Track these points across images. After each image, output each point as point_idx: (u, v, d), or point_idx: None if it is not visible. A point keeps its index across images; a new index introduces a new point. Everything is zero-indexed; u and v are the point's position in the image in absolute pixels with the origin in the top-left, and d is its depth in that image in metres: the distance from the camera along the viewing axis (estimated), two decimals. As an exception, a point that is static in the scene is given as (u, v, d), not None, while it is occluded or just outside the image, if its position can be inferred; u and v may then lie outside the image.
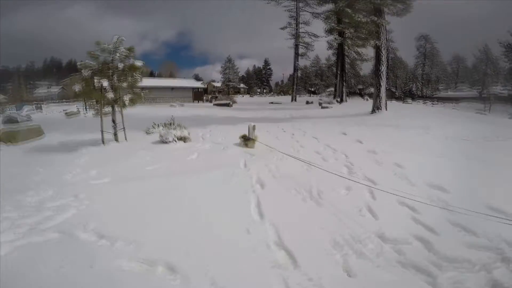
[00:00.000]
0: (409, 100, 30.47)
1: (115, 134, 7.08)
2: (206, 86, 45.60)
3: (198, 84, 37.02)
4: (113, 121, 6.95)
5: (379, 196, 3.55)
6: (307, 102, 27.30)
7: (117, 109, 6.97)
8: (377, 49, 13.79)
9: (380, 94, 14.29)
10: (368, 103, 24.74)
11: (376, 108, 14.37)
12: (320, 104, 22.87)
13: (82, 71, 6.45)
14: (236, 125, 10.70)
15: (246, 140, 6.71)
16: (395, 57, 41.51)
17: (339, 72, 30.74)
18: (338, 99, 24.58)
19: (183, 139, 6.82)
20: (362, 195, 3.66)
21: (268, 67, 70.79)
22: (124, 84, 6.56)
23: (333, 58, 48.73)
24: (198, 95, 34.28)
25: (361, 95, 36.75)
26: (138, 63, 6.55)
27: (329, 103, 22.32)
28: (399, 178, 4.35)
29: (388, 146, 6.57)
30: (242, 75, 68.12)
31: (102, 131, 6.81)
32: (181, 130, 6.98)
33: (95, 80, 6.23)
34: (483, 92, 35.96)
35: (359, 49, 29.07)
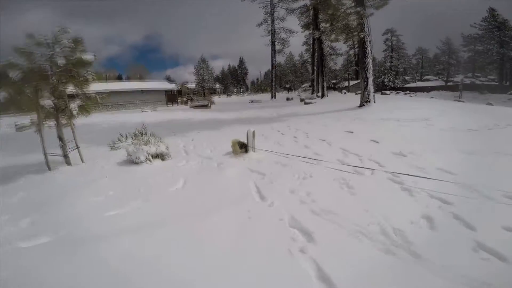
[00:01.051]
0: (387, 92, 30.55)
1: (66, 156, 5.12)
2: (180, 87, 42.85)
3: (171, 86, 34.33)
4: (60, 138, 4.97)
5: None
6: (288, 99, 26.24)
7: (64, 121, 5.00)
8: (362, 42, 12.89)
9: (368, 87, 13.45)
10: (349, 97, 24.41)
11: (364, 101, 13.52)
12: (302, 100, 21.86)
13: (8, 72, 4.47)
14: (222, 129, 9.06)
15: (242, 147, 5.26)
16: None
17: (315, 68, 30.10)
18: (319, 94, 23.70)
19: (160, 156, 5.07)
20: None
21: (243, 66, 69.10)
22: (70, 87, 4.64)
23: (307, 54, 48.75)
24: (172, 97, 31.66)
25: (336, 89, 36.45)
26: (87, 57, 4.60)
27: (310, 98, 21.32)
28: (472, 190, 3.13)
29: (408, 145, 5.49)
30: (217, 75, 65.87)
31: (45, 154, 4.85)
32: (156, 144, 5.19)
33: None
34: (448, 81, 37.46)
35: (333, 44, 28.76)
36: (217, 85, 61.29)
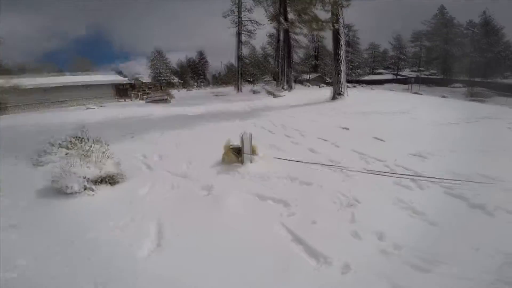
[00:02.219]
0: (349, 85, 31.15)
1: None
2: (133, 81, 38.40)
3: (122, 79, 30.27)
4: None
5: None
6: (254, 92, 24.98)
7: None
8: (336, 33, 12.18)
9: (340, 79, 12.93)
10: (313, 90, 24.12)
11: (337, 94, 12.95)
12: (269, 93, 20.80)
13: None
14: (194, 128, 7.34)
15: (236, 154, 3.94)
16: (322, 46, 42.77)
17: (280, 60, 29.29)
18: (285, 87, 22.93)
19: (108, 180, 3.32)
20: None
21: (203, 59, 65.40)
22: None
23: (269, 47, 47.83)
24: (123, 92, 27.80)
25: (297, 82, 36.43)
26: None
27: (278, 91, 20.36)
28: None
29: (417, 144, 4.81)
30: (175, 68, 61.34)
31: None
32: (100, 157, 3.40)
33: None
34: (398, 74, 40.15)
35: (296, 37, 28.10)
36: (175, 79, 57.10)
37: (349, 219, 2.44)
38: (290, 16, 17.53)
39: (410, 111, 9.29)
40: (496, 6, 45.35)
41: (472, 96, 25.31)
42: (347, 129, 6.34)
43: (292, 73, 21.01)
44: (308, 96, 15.41)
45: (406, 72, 41.35)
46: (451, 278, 1.68)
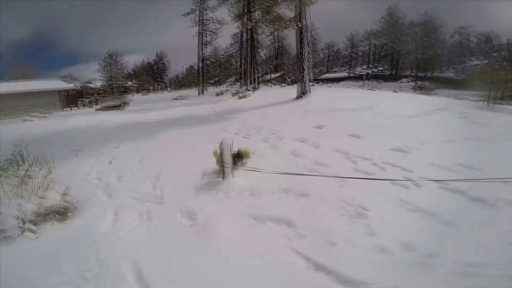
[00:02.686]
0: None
1: None
2: (79, 88, 34.49)
3: (68, 85, 26.91)
4: None
5: None
6: (217, 94, 24.23)
7: None
8: (300, 32, 12.17)
9: (304, 78, 13.01)
10: (277, 89, 24.17)
11: (302, 93, 13.02)
12: (235, 94, 20.30)
13: None
14: (155, 137, 6.50)
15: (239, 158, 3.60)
16: (283, 45, 43.71)
17: (243, 61, 28.96)
18: (249, 88, 22.65)
19: (54, 215, 2.51)
20: None
21: (161, 61, 61.96)
22: None
23: (232, 48, 47.08)
24: (70, 99, 24.73)
25: (262, 81, 36.51)
26: None
27: (243, 92, 19.95)
28: None
29: (393, 139, 4.77)
30: (129, 72, 57.12)
31: None
32: (41, 184, 2.57)
33: None
34: (350, 72, 42.76)
35: (258, 37, 28.04)
36: (130, 83, 53.19)
37: (367, 231, 2.15)
38: (255, 15, 17.31)
39: (374, 107, 9.61)
40: (438, 6, 51.10)
41: (419, 89, 28.02)
42: (321, 128, 6.17)
43: (257, 73, 20.74)
44: (274, 96, 15.28)
45: (358, 70, 44.35)
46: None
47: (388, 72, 37.55)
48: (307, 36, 12.37)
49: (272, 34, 43.02)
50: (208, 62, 41.31)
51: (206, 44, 26.45)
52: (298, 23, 11.71)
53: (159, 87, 57.98)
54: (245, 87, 25.50)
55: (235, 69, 45.86)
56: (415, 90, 28.11)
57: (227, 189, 3.06)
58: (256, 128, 6.30)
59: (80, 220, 2.69)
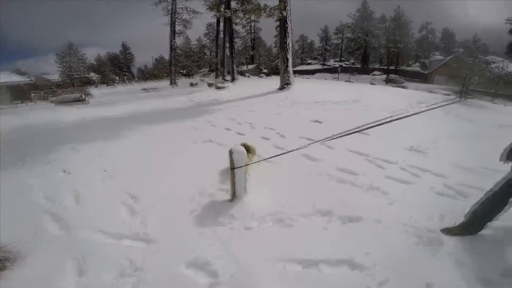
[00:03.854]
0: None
1: None
2: (33, 80, 30.39)
3: (19, 79, 23.54)
4: None
5: None
6: (192, 84, 22.76)
7: None
8: (283, 21, 11.43)
9: (288, 68, 12.40)
10: (255, 80, 23.28)
11: (285, 83, 12.42)
12: (211, 85, 19.07)
13: None
14: (125, 137, 5.34)
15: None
16: (258, 37, 42.84)
17: (219, 51, 27.56)
18: (227, 78, 21.53)
19: None
20: None
21: (127, 52, 57.45)
22: None
23: (206, 38, 44.79)
24: (23, 93, 21.66)
25: (239, 73, 35.39)
26: None
27: (221, 83, 18.82)
28: None
29: (395, 135, 4.39)
30: (91, 63, 52.36)
31: None
32: None
33: None
34: (324, 64, 43.12)
35: (236, 28, 26.68)
36: (92, 74, 48.69)
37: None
38: (233, 4, 16.19)
39: (360, 100, 9.36)
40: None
41: (389, 82, 29.03)
42: (320, 122, 5.55)
43: (235, 63, 19.64)
44: (254, 87, 14.47)
45: (331, 62, 44.88)
46: None
47: (359, 65, 38.41)
48: (291, 25, 11.67)
49: (249, 24, 41.81)
50: (180, 51, 38.96)
51: (178, 34, 24.56)
52: (283, 11, 10.97)
53: (125, 77, 53.86)
54: (221, 77, 24.28)
55: (209, 59, 43.97)
56: (386, 83, 29.07)
57: (242, 215, 2.22)
58: (248, 123, 5.47)
59: (19, 278, 1.72)
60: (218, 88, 16.58)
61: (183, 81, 30.31)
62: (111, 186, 3.04)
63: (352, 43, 39.52)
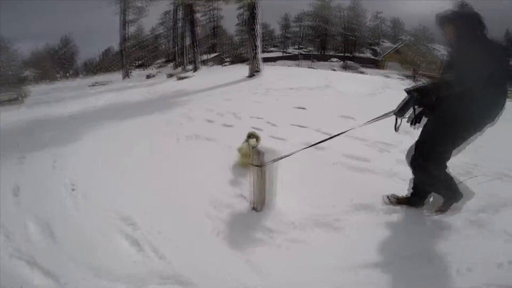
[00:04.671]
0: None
1: None
2: None
3: None
4: None
5: None
6: (148, 76, 20.90)
7: None
8: (252, 7, 10.79)
9: (257, 56, 11.93)
10: (220, 68, 22.19)
11: (254, 71, 11.94)
12: (171, 75, 17.67)
13: None
14: (80, 139, 4.32)
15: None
16: (219, 25, 41.12)
17: (178, 40, 25.65)
18: (189, 68, 20.23)
19: None
20: None
21: (69, 45, 50.44)
22: None
23: (162, 28, 41.19)
24: None
25: (202, 62, 33.72)
26: None
27: (183, 73, 17.54)
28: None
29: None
30: (27, 59, 45.06)
31: None
32: None
33: None
34: (285, 52, 43.37)
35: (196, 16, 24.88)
36: (27, 72, 42.02)
37: None
38: None
39: (330, 85, 9.32)
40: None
41: (347, 68, 30.33)
42: (304, 108, 5.21)
43: (197, 52, 18.36)
44: (221, 76, 13.65)
45: (290, 50, 45.28)
46: None
47: (317, 52, 39.44)
48: (260, 12, 11.06)
49: (210, 12, 39.71)
50: (133, 42, 35.43)
51: (131, 23, 21.98)
52: None
53: (68, 74, 47.65)
54: (181, 68, 22.72)
55: (166, 49, 40.97)
56: (345, 69, 30.32)
57: (281, 226, 1.78)
58: (230, 113, 4.83)
59: None
60: (180, 78, 15.35)
61: (137, 73, 27.78)
62: (90, 208, 2.25)
63: (312, 31, 40.29)
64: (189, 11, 17.25)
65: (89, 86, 20.17)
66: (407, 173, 2.36)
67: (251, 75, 11.84)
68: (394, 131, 1.77)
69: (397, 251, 1.55)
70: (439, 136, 1.74)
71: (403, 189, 2.11)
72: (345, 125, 3.49)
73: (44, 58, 48.92)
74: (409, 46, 28.28)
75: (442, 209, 1.89)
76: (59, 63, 51.17)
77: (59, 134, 4.54)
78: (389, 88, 10.29)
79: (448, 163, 1.79)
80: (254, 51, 11.62)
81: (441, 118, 1.74)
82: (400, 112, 1.65)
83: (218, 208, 2.10)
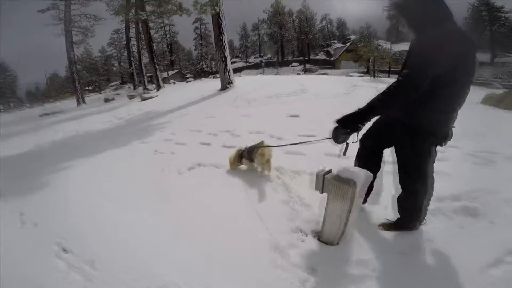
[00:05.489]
0: (210, 76, 30.39)
1: None
2: None
3: None
4: None
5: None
6: (107, 100, 19.23)
7: None
8: (217, 17, 10.43)
9: (227, 67, 11.56)
10: (185, 85, 21.28)
11: (227, 83, 11.56)
12: (132, 97, 16.47)
13: None
14: (51, 184, 3.46)
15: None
16: (175, 41, 40.26)
17: (132, 59, 24.43)
18: (151, 87, 19.16)
19: None
20: None
21: (7, 73, 44.97)
22: None
23: (111, 48, 38.65)
24: None
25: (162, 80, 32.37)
26: None
27: (146, 93, 16.42)
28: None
29: None
30: None
31: None
32: None
33: None
34: (247, 61, 43.95)
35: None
36: None
37: None
38: (148, 7, 14.13)
39: (306, 89, 9.40)
40: None
41: (307, 71, 31.55)
42: (297, 116, 4.98)
43: (158, 69, 17.36)
44: (190, 92, 12.96)
45: (252, 59, 46.01)
46: None
47: (275, 59, 40.75)
48: (225, 22, 10.76)
49: (162, 29, 38.56)
50: (81, 66, 32.63)
51: (77, 44, 20.04)
52: (216, 7, 9.92)
53: (11, 105, 42.28)
54: (141, 87, 21.44)
55: (121, 70, 38.70)
56: (305, 72, 31.50)
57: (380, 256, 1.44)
58: (223, 131, 4.34)
59: None
60: (144, 99, 14.28)
61: (92, 98, 25.58)
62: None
63: (269, 38, 41.49)
64: (145, 27, 16.27)
65: (39, 116, 17.92)
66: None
67: (224, 88, 11.41)
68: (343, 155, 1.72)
69: None
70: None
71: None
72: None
73: (-23, 91, 42.85)
74: (356, 45, 30.25)
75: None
76: (-2, 94, 45.21)
77: (17, 179, 3.62)
78: (357, 86, 10.69)
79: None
80: (224, 62, 11.23)
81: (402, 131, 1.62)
82: (335, 140, 1.59)
83: (283, 252, 1.71)
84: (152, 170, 3.18)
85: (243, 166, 2.88)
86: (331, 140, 1.61)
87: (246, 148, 2.79)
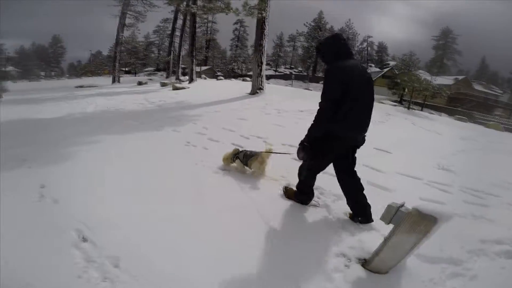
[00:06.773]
0: (240, 78, 30.69)
1: None
2: None
3: None
4: None
5: None
6: (140, 83, 19.88)
7: None
8: (261, 22, 10.41)
9: (261, 72, 11.47)
10: (213, 81, 21.61)
11: (258, 88, 11.47)
12: (165, 84, 16.84)
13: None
14: (81, 158, 3.46)
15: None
16: (213, 38, 41.27)
17: (173, 49, 25.15)
18: (183, 78, 19.57)
19: None
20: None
21: (58, 45, 48.35)
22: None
23: (155, 36, 40.41)
24: None
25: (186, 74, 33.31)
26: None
27: (178, 83, 16.74)
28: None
29: (430, 156, 4.49)
30: (10, 56, 42.68)
31: None
32: None
33: None
34: (277, 70, 44.01)
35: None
36: (10, 67, 39.48)
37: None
38: (199, 1, 14.54)
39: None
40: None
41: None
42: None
43: (195, 63, 17.70)
44: (220, 90, 13.07)
45: (282, 69, 46.07)
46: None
47: (306, 73, 40.48)
48: (268, 27, 10.77)
49: (205, 25, 39.67)
50: (127, 47, 34.22)
51: (127, 27, 21.12)
52: (263, 11, 9.96)
53: (53, 73, 45.18)
54: (174, 77, 21.95)
55: (158, 58, 40.16)
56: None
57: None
58: (255, 136, 4.16)
59: None
60: (176, 88, 14.54)
61: (126, 79, 26.53)
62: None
63: (304, 51, 41.36)
64: (192, 20, 16.74)
65: (75, 88, 18.80)
66: None
67: (254, 92, 11.32)
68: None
69: None
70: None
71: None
72: (387, 159, 3.50)
73: (29, 57, 46.24)
74: (397, 70, 28.98)
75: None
76: (46, 62, 48.53)
77: (43, 147, 3.64)
78: (391, 115, 10.22)
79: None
80: (260, 67, 11.15)
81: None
82: (299, 156, 2.16)
83: (334, 281, 1.61)
84: (185, 162, 3.08)
85: (234, 165, 3.03)
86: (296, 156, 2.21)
87: (243, 151, 2.97)
